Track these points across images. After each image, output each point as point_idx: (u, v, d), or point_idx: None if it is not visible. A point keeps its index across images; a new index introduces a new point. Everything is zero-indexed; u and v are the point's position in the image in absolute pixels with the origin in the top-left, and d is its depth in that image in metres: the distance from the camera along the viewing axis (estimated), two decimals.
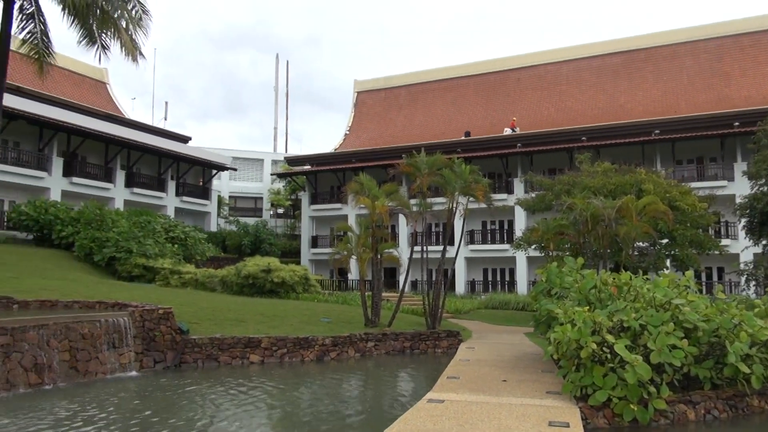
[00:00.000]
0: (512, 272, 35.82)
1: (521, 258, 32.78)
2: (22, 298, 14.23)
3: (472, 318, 24.62)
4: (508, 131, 38.85)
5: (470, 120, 43.66)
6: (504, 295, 30.90)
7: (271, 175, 49.35)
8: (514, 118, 39.84)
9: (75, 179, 31.80)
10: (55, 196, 30.31)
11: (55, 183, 30.80)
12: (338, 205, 40.01)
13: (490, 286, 36.23)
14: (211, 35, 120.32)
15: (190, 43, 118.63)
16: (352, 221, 33.92)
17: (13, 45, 18.35)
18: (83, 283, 19.57)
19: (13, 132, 28.94)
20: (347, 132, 48.90)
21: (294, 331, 15.72)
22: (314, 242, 41.49)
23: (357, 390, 11.98)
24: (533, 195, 26.36)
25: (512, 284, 35.17)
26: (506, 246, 33.57)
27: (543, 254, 23.19)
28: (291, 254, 41.73)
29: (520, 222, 33.95)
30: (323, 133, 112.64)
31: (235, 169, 46.08)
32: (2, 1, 17.73)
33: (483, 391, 9.40)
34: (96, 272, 24.59)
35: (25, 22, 18.81)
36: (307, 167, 43.28)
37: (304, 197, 42.63)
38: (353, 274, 33.23)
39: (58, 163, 31.17)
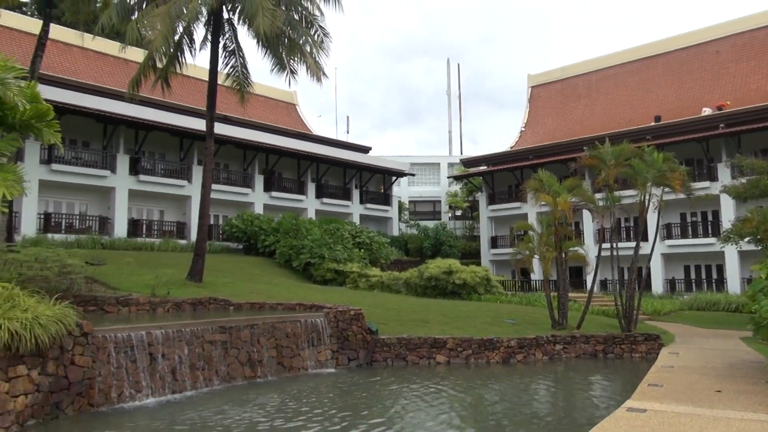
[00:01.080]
0: (720, 269, 31.76)
1: (731, 253, 28.93)
2: (236, 301, 16.13)
3: (674, 320, 22.32)
4: (707, 111, 34.59)
5: (660, 103, 39.75)
6: (711, 294, 27.48)
7: (448, 178, 49.94)
8: (728, 102, 35.20)
9: (273, 193, 35.37)
10: (258, 209, 34.02)
11: (257, 198, 34.56)
12: (517, 204, 39.10)
13: (693, 284, 32.49)
14: (387, 48, 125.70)
15: (369, 58, 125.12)
16: (532, 219, 32.86)
17: (219, 79, 20.93)
18: (285, 286, 21.61)
19: (223, 155, 33.08)
20: (523, 129, 47.63)
21: (478, 332, 15.66)
22: (494, 243, 41.03)
23: (547, 394, 11.54)
24: (743, 181, 23.12)
25: (721, 282, 31.16)
26: (711, 240, 29.88)
27: (760, 247, 20.21)
28: (470, 255, 41.74)
29: (728, 212, 29.98)
30: (498, 132, 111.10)
31: (413, 175, 47.48)
32: (210, 43, 20.36)
33: (692, 402, 8.43)
34: (294, 277, 27.01)
35: (227, 58, 21.43)
36: (483, 168, 42.99)
37: (482, 198, 42.39)
38: (536, 274, 32.15)
39: (259, 180, 34.93)
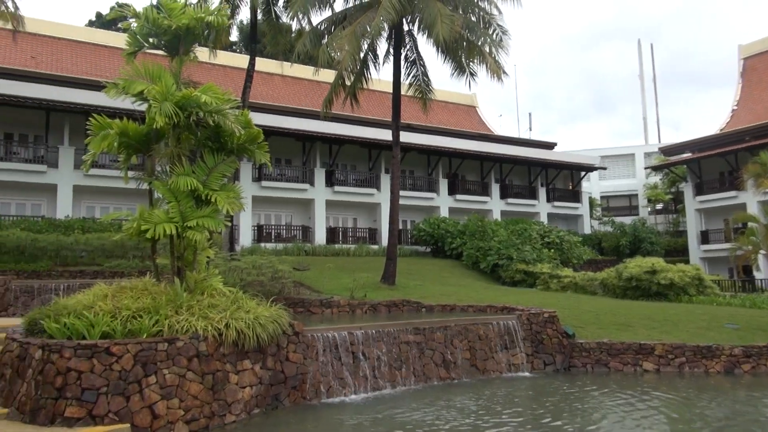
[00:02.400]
0: None
1: None
2: (428, 303, 16.52)
3: None
4: None
5: None
6: None
7: (645, 169, 45.80)
8: None
9: (458, 196, 35.68)
10: (443, 212, 34.59)
11: (443, 201, 35.15)
12: (732, 193, 34.44)
13: None
14: (571, 37, 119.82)
15: (551, 51, 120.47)
16: (753, 209, 28.64)
17: (401, 90, 21.71)
18: (473, 288, 21.61)
19: (408, 162, 34.27)
20: (735, 107, 41.85)
21: (691, 338, 14.04)
22: (704, 238, 36.57)
23: None
24: None
25: None
26: None
27: None
28: (676, 253, 37.70)
29: None
30: (702, 115, 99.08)
31: (604, 168, 44.43)
32: (393, 56, 21.21)
33: None
34: (482, 278, 26.89)
35: (409, 68, 22.16)
36: (687, 155, 38.64)
37: (687, 188, 38.12)
38: (763, 272, 27.96)
39: (443, 184, 35.50)
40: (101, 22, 48.47)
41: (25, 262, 19.33)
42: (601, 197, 47.97)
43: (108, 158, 23.88)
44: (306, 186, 30.43)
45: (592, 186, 47.02)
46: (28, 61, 29.69)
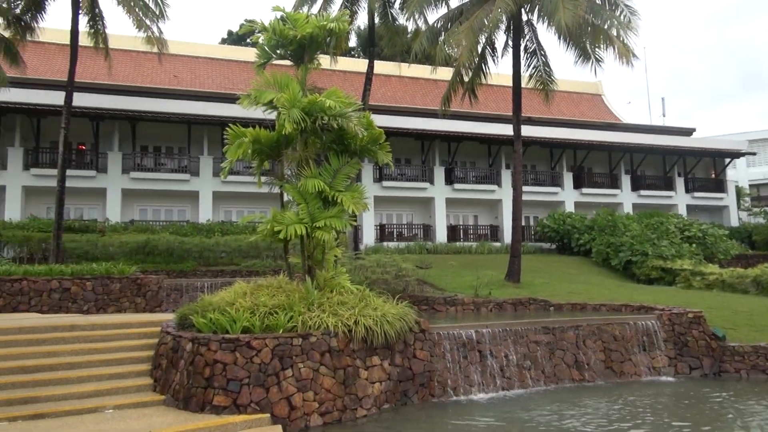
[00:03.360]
0: None
1: None
2: (556, 301, 15.86)
3: None
4: None
5: None
6: None
7: None
8: None
9: (584, 190, 33.94)
10: (569, 207, 33.09)
11: (567, 196, 33.64)
12: None
13: None
14: (711, 13, 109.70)
15: (687, 29, 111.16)
16: None
17: (521, 82, 21.08)
18: (605, 286, 20.42)
19: (529, 156, 33.21)
20: None
21: None
22: None
23: None
24: None
25: None
26: None
27: None
28: None
29: None
30: None
31: (753, 154, 40.12)
32: (512, 47, 20.66)
33: None
34: (613, 276, 25.34)
35: (529, 59, 21.48)
36: None
37: None
38: None
39: (568, 178, 33.98)
40: (232, 39, 52.11)
41: (173, 263, 21.27)
42: (750, 186, 43.37)
43: (241, 165, 25.58)
44: (426, 185, 30.56)
45: (739, 174, 42.67)
46: (171, 80, 32.63)
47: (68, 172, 21.62)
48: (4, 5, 20.79)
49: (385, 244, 28.11)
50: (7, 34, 21.18)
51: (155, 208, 27.95)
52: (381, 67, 37.02)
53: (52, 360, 9.27)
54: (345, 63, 37.55)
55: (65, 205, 20.90)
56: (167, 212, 28.11)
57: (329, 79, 33.99)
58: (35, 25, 21.65)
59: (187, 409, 8.13)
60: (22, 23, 21.29)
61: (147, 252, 21.40)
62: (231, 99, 25.15)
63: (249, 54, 32.77)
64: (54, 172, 22.08)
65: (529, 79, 21.86)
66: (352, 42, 48.60)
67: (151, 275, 17.30)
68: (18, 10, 21.24)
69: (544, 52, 21.58)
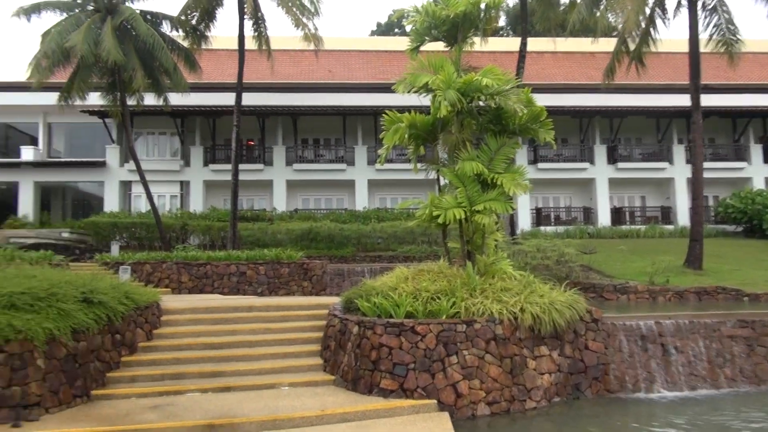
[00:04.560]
0: None
1: None
2: (750, 291, 13.93)
3: None
4: None
5: None
6: None
7: None
8: None
9: None
10: (757, 184, 29.03)
11: (756, 171, 29.48)
12: None
13: None
14: None
15: None
16: None
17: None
18: None
19: (706, 128, 29.67)
20: None
21: None
22: None
23: None
24: None
25: None
26: None
27: None
28: None
29: None
30: None
31: None
32: (688, 4, 18.44)
33: None
34: None
35: (708, 17, 19.03)
36: None
37: None
38: None
39: (756, 150, 29.79)
40: (381, 30, 53.23)
41: (334, 249, 22.25)
42: None
43: (395, 153, 25.96)
44: (585, 165, 28.70)
45: None
46: (326, 75, 34.07)
47: (240, 166, 23.53)
48: (183, 18, 23.05)
49: (542, 228, 26.93)
50: (185, 44, 23.49)
51: (316, 197, 29.50)
52: (532, 44, 35.28)
53: (233, 338, 10.04)
54: (494, 43, 36.37)
55: (238, 197, 22.77)
56: (327, 201, 29.52)
57: (478, 61, 32.93)
58: (208, 33, 23.76)
59: (356, 390, 8.30)
60: (198, 32, 23.47)
61: (310, 239, 22.63)
62: (383, 89, 25.61)
63: (399, 43, 33.14)
64: (228, 166, 24.22)
65: (708, 41, 19.36)
66: (501, 21, 47.13)
67: (315, 260, 18.21)
68: (194, 21, 23.44)
69: (727, 8, 18.96)
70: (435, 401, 7.91)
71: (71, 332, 7.68)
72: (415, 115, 10.81)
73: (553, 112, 28.94)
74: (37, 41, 44.05)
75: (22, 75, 24.42)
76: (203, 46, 23.79)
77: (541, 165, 28.25)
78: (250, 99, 26.03)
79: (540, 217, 28.78)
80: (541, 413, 8.33)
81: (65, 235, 23.23)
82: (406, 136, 10.94)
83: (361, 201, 27.70)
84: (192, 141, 29.05)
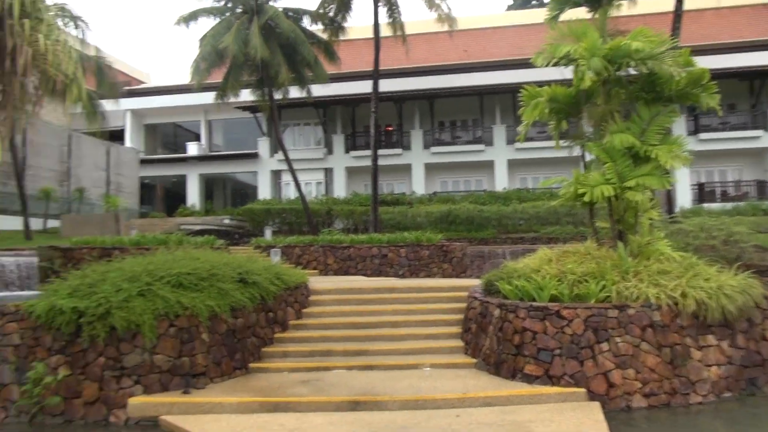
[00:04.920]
0: None
1: None
2: None
3: None
4: None
5: None
6: None
7: None
8: None
9: None
10: None
11: None
12: None
13: None
14: None
15: None
16: None
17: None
18: None
19: None
20: None
21: None
22: None
23: None
24: None
25: None
26: None
27: None
28: None
29: None
30: None
31: None
32: None
33: None
34: None
35: None
36: None
37: None
38: None
39: None
40: (517, 4, 51.25)
41: (474, 231, 21.98)
42: None
43: (534, 131, 24.90)
44: (759, 133, 25.46)
45: None
46: (462, 55, 33.56)
47: (379, 152, 24.04)
48: (321, 11, 23.93)
49: (704, 205, 24.34)
50: (324, 36, 24.39)
51: (454, 180, 29.34)
52: (690, 1, 31.87)
53: (376, 318, 10.28)
54: (644, 5, 33.36)
55: (378, 181, 23.32)
56: (465, 183, 29.24)
57: (626, 26, 30.54)
58: (344, 24, 24.44)
59: (499, 374, 8.09)
60: (335, 24, 24.23)
61: (450, 221, 22.57)
62: (520, 65, 24.64)
63: (536, 15, 31.62)
64: (368, 153, 24.86)
65: None
66: None
67: (455, 243, 18.09)
68: (331, 14, 24.24)
69: None
70: (584, 390, 7.45)
71: (230, 310, 8.35)
72: (556, 87, 10.20)
73: (717, 75, 26.18)
74: (196, 46, 48.55)
75: (185, 78, 27.07)
76: (341, 37, 24.52)
77: (703, 135, 25.52)
78: (386, 85, 26.43)
79: (703, 193, 26.05)
80: (708, 409, 7.51)
81: (226, 221, 25.48)
82: (546, 110, 10.37)
83: (501, 181, 27.04)
84: (334, 129, 30.25)
